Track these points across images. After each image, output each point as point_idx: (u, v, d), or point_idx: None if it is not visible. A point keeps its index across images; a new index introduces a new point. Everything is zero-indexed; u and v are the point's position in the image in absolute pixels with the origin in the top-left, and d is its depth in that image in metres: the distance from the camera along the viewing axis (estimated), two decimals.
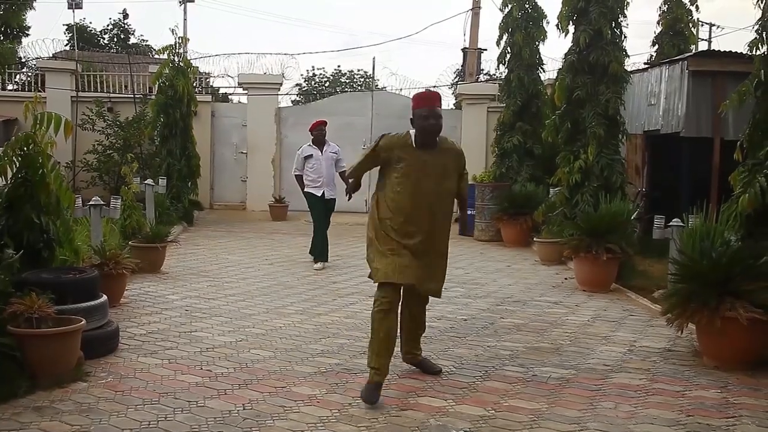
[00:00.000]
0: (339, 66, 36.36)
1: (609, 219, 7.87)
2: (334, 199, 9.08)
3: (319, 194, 8.93)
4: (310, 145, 9.10)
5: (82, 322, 4.56)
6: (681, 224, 6.85)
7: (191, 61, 13.88)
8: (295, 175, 9.15)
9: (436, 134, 4.41)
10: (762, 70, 6.05)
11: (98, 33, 33.94)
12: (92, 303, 4.94)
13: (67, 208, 5.64)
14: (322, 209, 9.00)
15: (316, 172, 8.93)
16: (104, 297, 5.15)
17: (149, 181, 10.79)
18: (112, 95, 15.76)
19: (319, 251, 9.04)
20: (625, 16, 9.44)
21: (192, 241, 11.06)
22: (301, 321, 6.15)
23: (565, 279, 8.50)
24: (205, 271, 8.49)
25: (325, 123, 9.21)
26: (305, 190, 9.03)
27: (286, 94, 18.41)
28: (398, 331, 4.53)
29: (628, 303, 7.22)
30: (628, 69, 9.84)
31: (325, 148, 9.02)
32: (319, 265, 8.90)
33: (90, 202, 7.30)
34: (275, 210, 14.65)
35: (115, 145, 14.22)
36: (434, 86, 16.82)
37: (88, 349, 4.71)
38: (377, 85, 17.76)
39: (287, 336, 5.64)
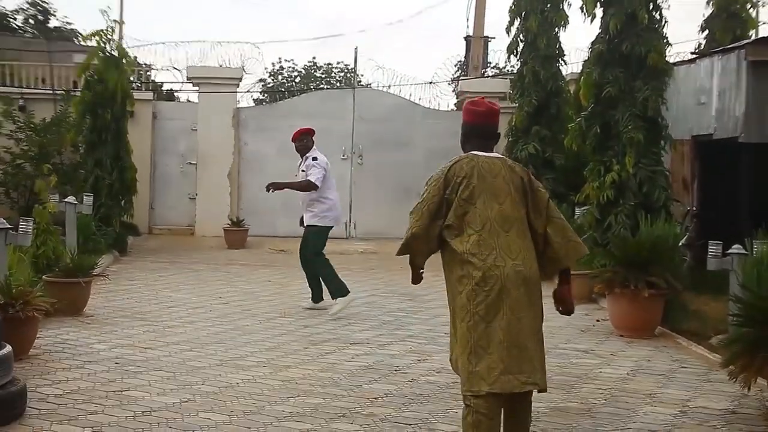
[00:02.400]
0: (314, 58, 36.35)
1: (650, 246, 7.87)
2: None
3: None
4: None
5: None
6: (743, 252, 6.85)
7: (127, 50, 13.90)
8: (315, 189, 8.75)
9: None
10: None
11: (9, 13, 33.88)
12: None
13: None
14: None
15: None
16: (8, 347, 5.01)
17: (71, 198, 10.68)
18: (25, 90, 15.69)
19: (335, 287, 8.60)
20: None
21: (125, 274, 10.97)
22: (265, 376, 6.08)
23: (597, 321, 8.49)
24: (141, 313, 8.40)
25: (311, 132, 9.02)
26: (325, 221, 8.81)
27: (247, 91, 18.46)
28: None
29: (677, 351, 7.20)
30: (671, 60, 9.92)
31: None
32: (338, 306, 8.48)
33: None
34: (232, 235, 14.57)
35: (27, 154, 14.11)
36: (431, 83, 16.93)
37: None
38: (360, 81, 17.77)
39: (246, 395, 5.56)
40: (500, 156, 4.29)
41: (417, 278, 4.37)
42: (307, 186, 8.63)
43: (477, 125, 4.32)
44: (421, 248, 4.14)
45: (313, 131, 9.07)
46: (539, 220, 4.16)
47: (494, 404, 3.87)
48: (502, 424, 4.01)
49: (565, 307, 4.26)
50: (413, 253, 4.17)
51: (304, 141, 8.88)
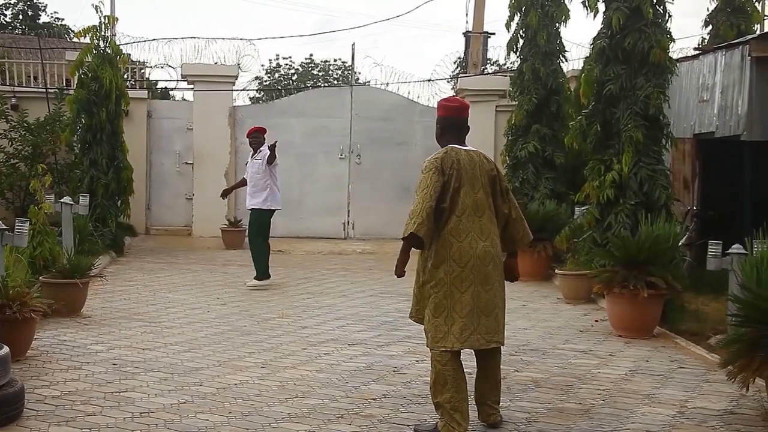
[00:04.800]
0: (311, 54, 36.34)
1: (650, 245, 7.91)
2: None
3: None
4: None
5: None
6: (743, 252, 6.89)
7: (121, 47, 13.86)
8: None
9: None
10: None
11: None
12: None
13: None
14: None
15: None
16: (5, 348, 5.06)
17: (67, 199, 10.73)
18: (17, 89, 15.68)
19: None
20: None
21: (122, 275, 11.03)
22: (262, 377, 6.13)
23: (596, 321, 8.54)
24: (138, 314, 8.44)
25: (263, 131, 10.83)
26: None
27: (243, 89, 18.41)
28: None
29: (676, 352, 7.24)
30: (674, 56, 9.91)
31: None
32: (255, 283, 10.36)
33: None
34: (229, 236, 14.62)
35: (21, 153, 14.14)
36: (429, 80, 16.99)
37: None
38: (358, 79, 17.82)
39: (244, 396, 5.61)
40: (474, 149, 5.05)
41: (404, 266, 4.80)
42: (272, 160, 10.41)
43: (452, 118, 5.10)
44: (431, 226, 4.70)
45: (265, 130, 10.92)
46: (505, 205, 5.05)
47: (458, 360, 4.76)
48: (475, 380, 5.01)
49: (512, 275, 5.11)
50: (426, 231, 4.64)
51: (256, 137, 10.73)
